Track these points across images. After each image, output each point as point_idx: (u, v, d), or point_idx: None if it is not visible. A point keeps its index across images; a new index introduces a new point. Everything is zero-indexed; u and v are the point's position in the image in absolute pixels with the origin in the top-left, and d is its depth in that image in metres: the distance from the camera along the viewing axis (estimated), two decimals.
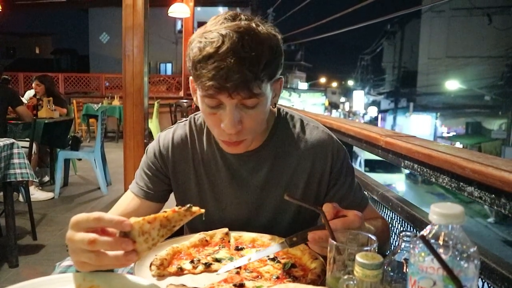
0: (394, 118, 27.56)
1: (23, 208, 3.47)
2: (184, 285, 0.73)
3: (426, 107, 22.89)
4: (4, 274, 2.62)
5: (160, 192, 1.09)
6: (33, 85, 5.16)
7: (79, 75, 13.72)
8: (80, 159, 5.23)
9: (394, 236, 1.57)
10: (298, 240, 0.82)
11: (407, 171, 14.86)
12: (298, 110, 2.52)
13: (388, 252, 1.03)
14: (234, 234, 0.97)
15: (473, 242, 0.50)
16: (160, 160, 1.08)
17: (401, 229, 1.57)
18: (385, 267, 0.64)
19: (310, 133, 1.07)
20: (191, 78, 0.94)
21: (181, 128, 1.10)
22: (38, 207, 3.91)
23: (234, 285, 0.75)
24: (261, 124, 0.95)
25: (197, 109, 0.95)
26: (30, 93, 5.92)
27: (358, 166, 17.07)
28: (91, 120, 8.67)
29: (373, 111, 36.38)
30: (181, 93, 10.55)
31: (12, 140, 2.69)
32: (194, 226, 1.06)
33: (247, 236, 0.96)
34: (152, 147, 1.10)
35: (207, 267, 0.83)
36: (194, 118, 1.11)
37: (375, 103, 36.62)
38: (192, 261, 0.85)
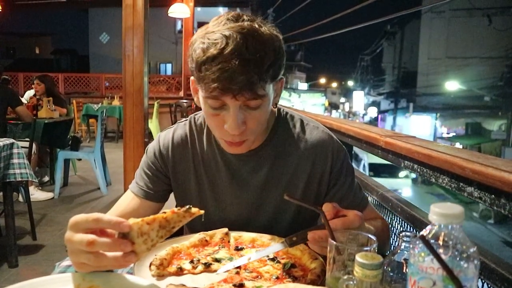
0: (394, 119, 27.56)
1: (23, 208, 3.47)
2: (183, 285, 0.73)
3: (426, 107, 22.89)
4: (4, 274, 2.62)
5: (160, 192, 1.09)
6: (34, 84, 5.17)
7: (79, 75, 13.71)
8: (80, 159, 5.23)
9: (394, 236, 1.57)
10: (298, 239, 0.82)
11: (413, 175, 14.31)
12: (298, 110, 2.52)
13: (388, 252, 1.03)
14: (234, 234, 0.97)
15: (473, 242, 0.50)
16: (160, 160, 1.08)
17: (401, 229, 1.57)
18: (385, 267, 0.64)
19: (310, 133, 1.07)
20: (192, 78, 0.94)
21: (181, 128, 1.10)
22: (37, 207, 3.91)
23: (234, 285, 0.75)
24: (263, 124, 0.96)
25: (197, 109, 0.95)
26: (30, 93, 5.93)
27: (362, 170, 16.26)
28: (91, 120, 8.67)
29: (373, 112, 36.39)
30: (181, 93, 10.56)
31: (12, 140, 2.69)
32: (193, 226, 1.06)
33: (247, 236, 0.96)
34: (152, 147, 1.10)
35: (207, 267, 0.83)
36: (194, 118, 1.11)
37: (375, 103, 36.62)
38: (191, 261, 0.85)
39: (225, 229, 0.98)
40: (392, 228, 1.62)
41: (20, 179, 2.70)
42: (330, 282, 0.66)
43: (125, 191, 1.12)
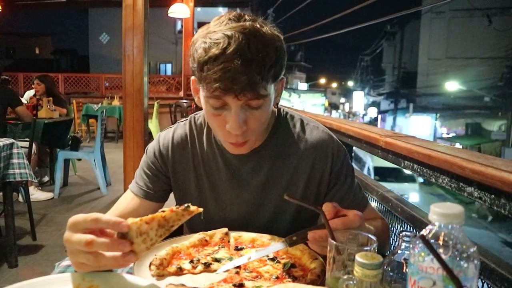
0: (394, 119, 27.57)
1: (23, 208, 3.47)
2: (183, 285, 0.73)
3: (426, 108, 22.90)
4: (4, 274, 2.62)
5: (160, 192, 1.09)
6: (34, 84, 5.17)
7: (79, 75, 13.70)
8: (79, 159, 5.23)
9: (394, 236, 1.57)
10: (298, 239, 0.82)
11: (421, 180, 13.57)
12: (298, 110, 2.52)
13: (388, 252, 1.03)
14: (233, 234, 0.97)
15: (473, 242, 0.50)
16: (160, 160, 1.08)
17: (401, 229, 1.57)
18: (385, 267, 0.64)
19: (310, 133, 1.07)
20: (192, 78, 0.94)
21: (181, 127, 1.10)
22: (37, 207, 3.91)
23: (234, 285, 0.75)
24: (265, 124, 0.96)
25: (197, 109, 0.95)
26: (30, 93, 5.92)
27: (366, 174, 15.56)
28: (91, 120, 8.68)
29: (373, 112, 36.40)
30: (181, 93, 10.56)
31: (11, 140, 2.69)
32: (193, 226, 1.06)
33: (246, 236, 0.96)
34: (152, 146, 1.10)
35: (207, 267, 0.83)
36: (194, 118, 1.11)
37: (375, 104, 36.64)
38: (191, 261, 0.85)
39: (225, 229, 0.98)
40: (392, 228, 1.62)
41: (20, 179, 2.70)
42: (330, 282, 0.66)
43: (125, 191, 1.12)
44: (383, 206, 1.74)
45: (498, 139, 18.10)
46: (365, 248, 0.63)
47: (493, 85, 19.68)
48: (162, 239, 0.68)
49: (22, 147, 2.84)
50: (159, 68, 22.81)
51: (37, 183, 4.44)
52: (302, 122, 1.09)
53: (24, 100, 5.32)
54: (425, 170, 1.31)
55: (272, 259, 0.86)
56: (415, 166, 1.38)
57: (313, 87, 48.03)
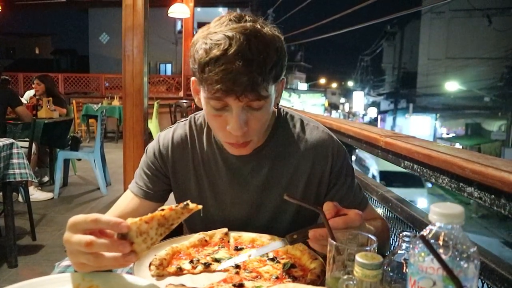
0: (394, 119, 27.57)
1: (23, 208, 3.47)
2: (183, 285, 0.73)
3: (426, 108, 22.89)
4: (4, 274, 2.62)
5: (160, 192, 1.09)
6: (33, 84, 5.17)
7: (79, 75, 13.70)
8: (79, 159, 5.23)
9: (394, 237, 1.57)
10: (299, 237, 0.82)
11: (429, 185, 13.05)
12: (298, 110, 2.52)
13: (388, 252, 1.03)
14: (233, 234, 0.97)
15: (473, 243, 0.50)
16: (160, 160, 1.08)
17: (401, 229, 1.57)
18: (385, 267, 0.64)
19: (310, 133, 1.06)
20: (192, 79, 0.94)
21: (181, 127, 1.10)
22: (37, 207, 3.90)
23: (234, 285, 0.75)
24: (266, 125, 0.96)
25: (197, 109, 0.95)
26: (29, 93, 5.92)
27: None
28: (90, 120, 8.68)
29: (372, 112, 36.40)
30: (181, 94, 10.56)
31: (11, 140, 2.69)
32: (193, 226, 1.06)
33: (246, 236, 0.96)
34: (151, 146, 1.10)
35: (207, 267, 0.83)
36: (194, 118, 1.11)
37: (374, 104, 36.64)
38: (191, 261, 0.85)
39: (225, 229, 0.98)
40: (392, 228, 1.62)
41: (20, 179, 2.69)
42: (330, 282, 0.66)
43: (125, 191, 1.12)
44: (383, 206, 1.74)
45: (498, 139, 18.10)
46: (365, 248, 0.63)
47: (493, 85, 19.68)
48: (162, 238, 0.68)
49: (22, 147, 2.84)
50: (159, 68, 22.82)
51: (37, 183, 4.44)
52: (302, 122, 1.09)
53: (24, 100, 5.32)
54: (425, 170, 1.31)
55: (272, 259, 0.86)
56: (415, 166, 1.38)
57: (313, 87, 48.03)
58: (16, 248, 2.77)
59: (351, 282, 0.58)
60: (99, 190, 4.58)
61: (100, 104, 8.54)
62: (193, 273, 0.82)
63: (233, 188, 1.05)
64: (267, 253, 0.88)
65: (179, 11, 6.72)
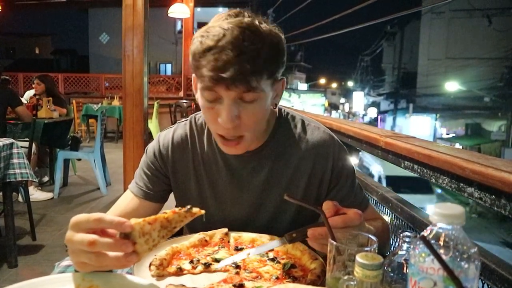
0: (394, 119, 27.56)
1: (23, 208, 3.47)
2: (183, 285, 0.73)
3: (426, 108, 22.89)
4: (4, 274, 2.62)
5: (160, 192, 1.09)
6: (33, 84, 5.17)
7: (79, 75, 13.71)
8: (79, 159, 5.23)
9: (394, 237, 1.57)
10: (298, 236, 0.82)
11: (439, 191, 12.43)
12: (299, 111, 2.51)
13: (388, 252, 1.03)
14: (233, 234, 0.97)
15: (474, 243, 0.50)
16: (160, 160, 1.08)
17: (401, 229, 1.57)
18: (385, 267, 0.64)
19: (311, 133, 1.06)
20: (193, 76, 0.94)
21: (181, 128, 1.10)
22: (37, 207, 3.90)
23: (234, 285, 0.75)
24: (260, 122, 0.94)
25: (197, 109, 0.95)
26: (29, 93, 5.92)
27: None
28: (90, 120, 8.68)
29: (372, 112, 36.38)
30: (181, 94, 10.56)
31: (11, 140, 2.69)
32: (193, 226, 1.06)
33: (246, 236, 0.96)
34: (152, 146, 1.10)
35: (207, 267, 0.83)
36: (195, 118, 1.11)
37: (374, 104, 36.63)
38: (191, 261, 0.85)
39: (225, 229, 0.98)
40: (392, 229, 1.62)
41: (20, 179, 2.69)
42: (330, 283, 0.66)
43: (125, 191, 1.12)
44: (383, 207, 1.74)
45: (498, 139, 18.09)
46: (366, 249, 0.63)
47: (493, 86, 19.68)
48: (164, 240, 0.68)
49: (22, 147, 2.83)
50: (159, 68, 22.82)
51: (37, 183, 4.44)
52: (303, 122, 1.08)
53: (24, 100, 5.32)
54: (425, 171, 1.31)
55: (272, 260, 0.86)
56: (415, 166, 1.38)
57: (313, 87, 48.01)
58: (16, 248, 2.77)
59: (352, 283, 0.58)
60: (99, 190, 4.58)
61: (100, 104, 8.54)
62: (193, 273, 0.82)
63: (233, 188, 1.05)
64: (267, 254, 0.88)
65: (179, 11, 6.73)
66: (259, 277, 0.80)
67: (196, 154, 1.07)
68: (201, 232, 0.96)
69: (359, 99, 40.92)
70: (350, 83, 49.99)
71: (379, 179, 13.30)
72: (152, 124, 7.80)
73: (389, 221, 1.66)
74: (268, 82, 0.88)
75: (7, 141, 2.64)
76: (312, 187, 1.05)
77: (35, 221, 3.35)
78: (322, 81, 51.17)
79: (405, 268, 0.63)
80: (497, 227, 11.01)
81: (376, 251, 0.63)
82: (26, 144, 4.11)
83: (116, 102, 8.48)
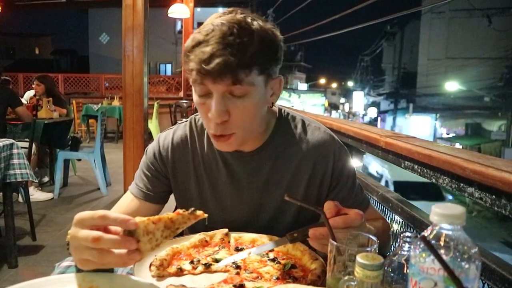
0: (394, 119, 27.55)
1: (23, 209, 3.47)
2: (183, 286, 0.73)
3: (426, 108, 22.88)
4: (4, 275, 2.61)
5: (160, 193, 1.09)
6: (33, 85, 5.17)
7: (79, 75, 13.72)
8: (79, 160, 5.23)
9: (395, 237, 1.57)
10: (299, 236, 0.81)
11: (450, 197, 11.87)
12: (299, 111, 2.51)
13: (389, 252, 1.03)
14: (234, 235, 0.97)
15: (474, 243, 0.50)
16: (160, 161, 1.08)
17: (401, 230, 1.57)
18: (386, 268, 0.64)
19: (311, 133, 1.06)
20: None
21: (181, 128, 1.10)
22: (37, 207, 3.90)
23: (234, 285, 0.75)
24: (251, 120, 0.92)
25: (197, 109, 0.95)
26: (30, 93, 5.93)
27: None
28: (90, 120, 8.68)
29: (372, 112, 36.38)
30: (181, 94, 10.56)
31: (11, 141, 2.68)
32: (194, 227, 1.06)
33: (247, 236, 0.96)
34: (151, 147, 1.10)
35: (207, 267, 0.83)
36: (195, 119, 1.11)
37: (374, 104, 36.62)
38: (192, 262, 0.85)
39: (225, 230, 0.98)
40: (393, 229, 1.62)
41: (20, 180, 2.69)
42: (331, 283, 0.66)
43: (125, 191, 1.12)
44: (384, 207, 1.74)
45: (498, 139, 18.08)
46: (366, 249, 0.63)
47: (493, 85, 19.67)
48: (167, 240, 0.69)
49: (22, 147, 2.83)
50: (159, 68, 22.83)
51: (37, 183, 4.43)
52: (303, 123, 1.08)
53: (24, 100, 5.32)
54: (425, 171, 1.31)
55: (273, 260, 0.86)
56: (416, 166, 1.38)
57: (313, 87, 48.00)
58: (16, 249, 2.77)
59: (352, 283, 0.58)
60: (99, 190, 4.58)
61: (100, 104, 8.54)
62: (193, 274, 0.82)
63: (234, 188, 1.05)
64: (267, 254, 0.88)
65: (179, 11, 6.72)
66: (259, 277, 0.80)
67: (196, 154, 1.07)
68: (202, 233, 0.96)
69: (359, 99, 40.93)
70: (350, 83, 50.01)
71: (386, 184, 12.23)
72: (152, 125, 7.80)
73: (389, 221, 1.66)
74: (260, 78, 0.88)
75: (7, 141, 2.64)
76: (313, 187, 1.05)
77: (35, 222, 3.35)
78: (322, 81, 51.19)
79: (405, 268, 0.63)
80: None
81: (377, 251, 0.63)
82: (26, 144, 4.11)
83: (116, 102, 8.49)
